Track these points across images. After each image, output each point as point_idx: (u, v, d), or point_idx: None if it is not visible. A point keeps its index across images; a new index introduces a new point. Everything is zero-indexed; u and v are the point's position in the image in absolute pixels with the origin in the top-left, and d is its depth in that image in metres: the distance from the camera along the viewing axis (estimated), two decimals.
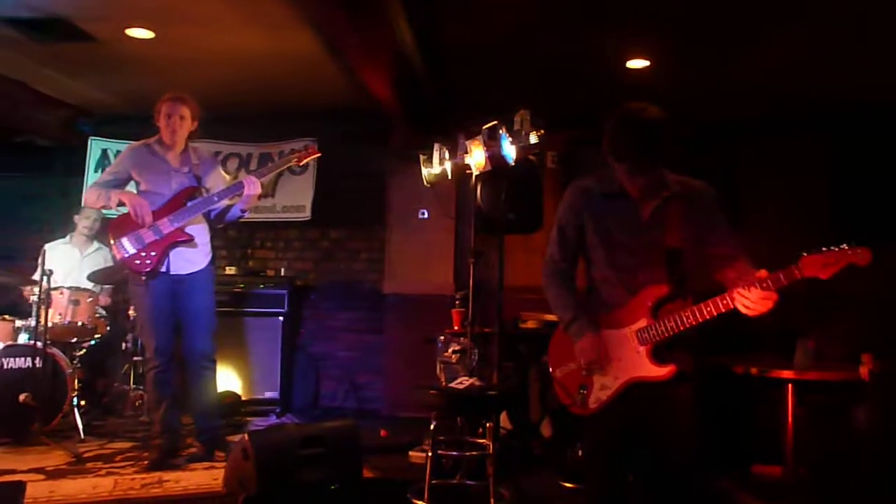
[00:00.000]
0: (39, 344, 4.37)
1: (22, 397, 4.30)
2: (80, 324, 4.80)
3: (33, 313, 4.58)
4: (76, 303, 4.80)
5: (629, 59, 4.70)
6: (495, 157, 3.94)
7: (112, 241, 3.95)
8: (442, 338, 4.52)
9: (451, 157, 4.36)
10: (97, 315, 5.03)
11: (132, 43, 4.65)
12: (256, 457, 3.04)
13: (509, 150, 3.88)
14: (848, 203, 5.39)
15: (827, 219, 5.44)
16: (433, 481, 3.43)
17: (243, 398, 5.51)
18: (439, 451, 3.58)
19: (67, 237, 5.44)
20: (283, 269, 6.10)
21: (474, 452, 3.73)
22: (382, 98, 4.82)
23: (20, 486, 2.87)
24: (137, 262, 3.89)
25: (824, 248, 2.03)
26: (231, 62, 4.98)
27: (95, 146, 6.14)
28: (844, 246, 2.02)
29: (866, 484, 3.65)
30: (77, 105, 6.06)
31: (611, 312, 2.40)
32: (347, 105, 5.53)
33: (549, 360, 2.58)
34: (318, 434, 3.28)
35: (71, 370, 4.61)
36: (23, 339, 4.77)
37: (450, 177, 4.45)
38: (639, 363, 2.32)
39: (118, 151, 5.89)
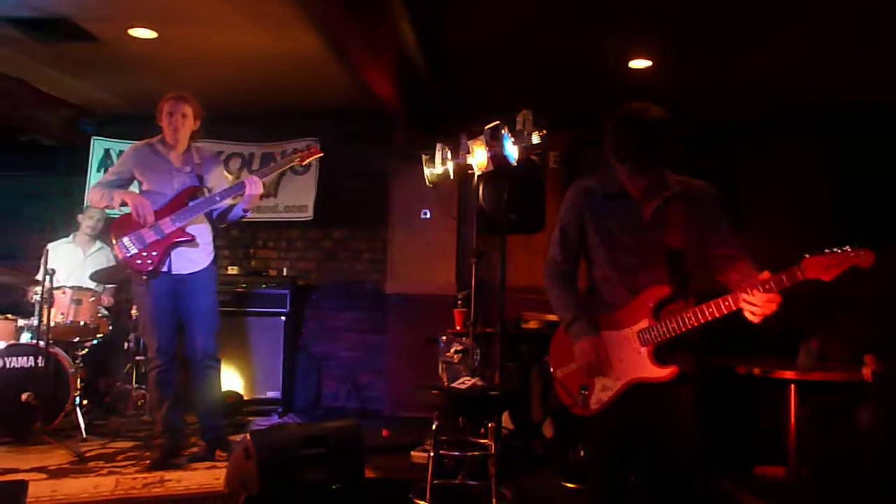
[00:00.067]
0: (42, 343, 4.37)
1: (24, 396, 4.31)
2: (82, 323, 4.81)
3: (36, 312, 4.59)
4: (79, 302, 4.81)
5: (632, 60, 4.70)
6: (498, 158, 3.94)
7: (114, 241, 3.95)
8: (444, 338, 4.52)
9: (453, 157, 4.36)
10: (99, 314, 5.04)
11: (135, 43, 4.65)
12: (258, 456, 3.04)
13: (511, 151, 3.88)
14: (848, 203, 5.39)
15: (827, 219, 5.43)
16: (435, 481, 3.43)
17: (245, 398, 5.52)
18: (441, 451, 3.58)
19: (70, 236, 5.45)
20: (285, 269, 6.11)
21: (476, 452, 3.73)
22: (385, 98, 4.82)
23: (22, 486, 2.86)
24: (139, 261, 3.89)
25: (827, 250, 2.01)
26: (234, 62, 4.98)
27: (98, 146, 6.16)
28: (847, 248, 2.00)
29: (869, 485, 3.64)
30: (80, 105, 6.08)
31: (612, 313, 2.40)
32: (350, 105, 5.54)
33: (550, 360, 2.57)
34: (319, 434, 3.28)
35: (73, 369, 4.62)
36: (25, 338, 4.78)
37: (452, 177, 4.46)
38: (640, 364, 2.32)
39: (121, 151, 5.90)
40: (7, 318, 4.77)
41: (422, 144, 4.77)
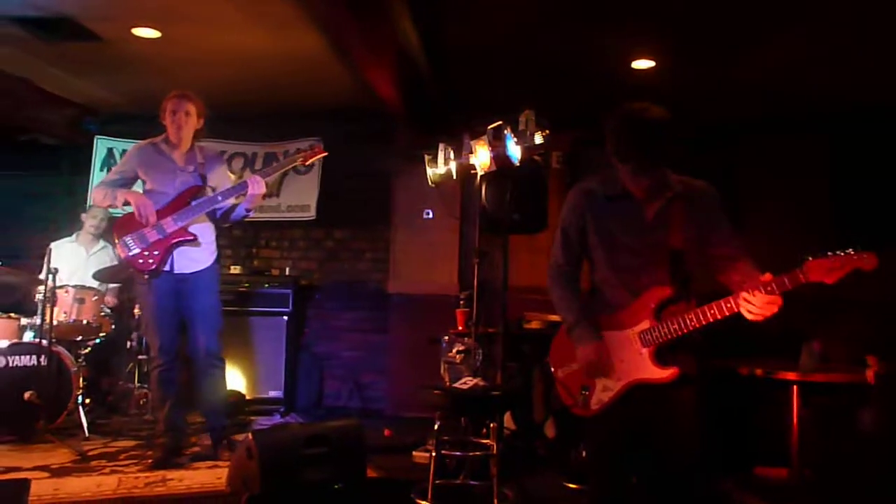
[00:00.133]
0: (45, 342, 4.38)
1: (27, 395, 4.32)
2: (85, 322, 4.81)
3: (38, 311, 4.60)
4: (81, 301, 4.81)
5: (634, 60, 4.70)
6: (500, 158, 3.94)
7: (116, 240, 3.95)
8: (446, 338, 4.53)
9: (455, 157, 4.35)
10: (102, 313, 5.04)
11: (138, 42, 4.66)
12: (260, 456, 3.04)
13: (514, 151, 3.88)
14: (848, 203, 5.38)
15: (827, 219, 5.42)
16: (437, 481, 3.43)
17: (247, 397, 5.54)
18: (443, 451, 3.58)
19: (74, 235, 5.46)
20: (287, 269, 6.11)
21: (478, 452, 3.73)
22: (387, 98, 4.83)
23: (25, 484, 2.87)
24: (141, 261, 3.89)
25: (829, 253, 2.00)
26: (236, 62, 4.99)
27: (101, 145, 6.16)
28: (850, 250, 1.98)
29: (871, 486, 3.64)
30: (83, 104, 6.09)
31: (613, 314, 2.40)
32: (352, 105, 5.54)
33: (551, 360, 2.58)
34: (321, 433, 3.28)
35: (76, 368, 4.63)
36: (28, 337, 4.79)
37: (454, 177, 4.45)
38: (641, 365, 2.32)
39: (124, 150, 5.91)
40: (10, 317, 4.77)
41: (424, 144, 4.77)
